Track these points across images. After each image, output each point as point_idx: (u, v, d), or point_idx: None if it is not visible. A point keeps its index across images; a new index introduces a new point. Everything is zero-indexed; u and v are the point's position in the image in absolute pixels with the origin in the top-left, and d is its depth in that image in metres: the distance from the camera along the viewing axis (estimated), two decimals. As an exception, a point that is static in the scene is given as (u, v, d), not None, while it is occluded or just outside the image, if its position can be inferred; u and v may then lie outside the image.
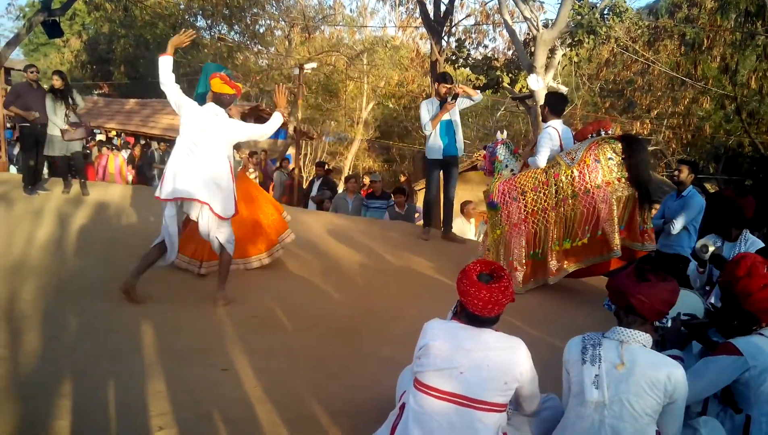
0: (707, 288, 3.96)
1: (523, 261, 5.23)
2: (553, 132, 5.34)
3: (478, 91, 6.50)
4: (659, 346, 2.95)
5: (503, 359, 2.33)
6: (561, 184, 5.06)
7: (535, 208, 5.14)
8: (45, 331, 3.79)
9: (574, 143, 5.44)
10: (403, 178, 14.16)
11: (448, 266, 5.97)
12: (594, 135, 5.31)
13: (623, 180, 5.02)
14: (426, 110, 6.53)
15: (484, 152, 6.02)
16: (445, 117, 6.48)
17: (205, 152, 4.34)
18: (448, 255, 6.46)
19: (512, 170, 5.52)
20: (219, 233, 4.46)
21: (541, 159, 5.24)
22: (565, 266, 5.23)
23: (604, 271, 5.45)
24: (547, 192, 5.10)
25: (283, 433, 2.90)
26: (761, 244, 3.91)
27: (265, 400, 3.18)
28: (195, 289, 4.83)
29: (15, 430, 2.73)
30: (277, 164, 14.76)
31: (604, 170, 5.01)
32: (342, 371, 3.66)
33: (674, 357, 2.71)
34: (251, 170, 13.22)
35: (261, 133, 4.68)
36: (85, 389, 3.09)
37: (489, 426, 2.30)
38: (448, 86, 6.40)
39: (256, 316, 4.44)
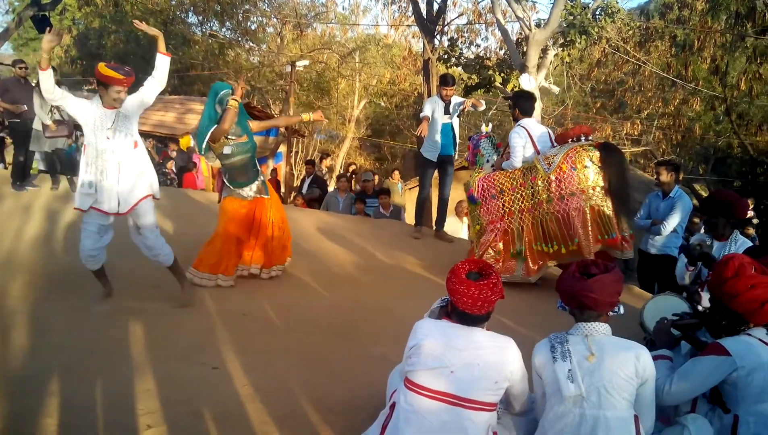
0: (697, 288, 3.98)
1: (498, 256, 5.30)
2: (521, 130, 5.45)
3: (482, 102, 6.58)
4: (649, 345, 2.96)
5: (494, 358, 2.34)
6: (537, 188, 5.16)
7: (512, 208, 5.25)
8: (33, 327, 3.77)
9: (553, 144, 5.51)
10: (376, 179, 13.80)
11: (439, 265, 5.98)
12: (574, 140, 5.35)
13: (598, 188, 5.09)
14: (430, 107, 6.50)
15: (469, 143, 6.22)
16: (446, 120, 6.53)
17: None
18: (439, 253, 6.47)
19: (492, 165, 5.66)
20: None
21: (516, 161, 5.37)
22: (544, 264, 5.35)
23: None
24: (524, 193, 5.21)
25: (274, 431, 2.90)
26: (750, 245, 3.94)
27: (256, 398, 3.17)
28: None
29: (2, 427, 2.71)
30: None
31: (580, 177, 5.09)
32: (333, 369, 3.66)
33: (663, 357, 2.73)
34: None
35: None
36: (74, 387, 3.08)
37: (479, 425, 2.31)
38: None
39: (246, 314, 4.43)
